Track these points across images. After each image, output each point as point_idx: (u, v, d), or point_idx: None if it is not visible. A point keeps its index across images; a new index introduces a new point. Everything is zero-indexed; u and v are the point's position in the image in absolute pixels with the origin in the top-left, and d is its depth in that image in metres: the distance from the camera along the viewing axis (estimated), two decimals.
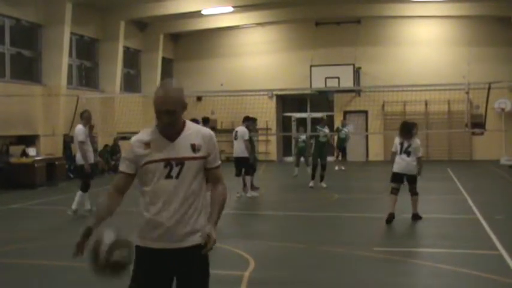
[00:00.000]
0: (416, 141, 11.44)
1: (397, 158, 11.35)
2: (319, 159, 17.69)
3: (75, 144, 12.69)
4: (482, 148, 27.81)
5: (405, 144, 11.28)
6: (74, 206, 12.30)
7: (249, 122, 15.93)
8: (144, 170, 3.78)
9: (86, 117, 12.77)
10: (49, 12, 21.57)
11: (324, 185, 17.48)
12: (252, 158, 16.10)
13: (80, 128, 12.52)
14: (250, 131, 15.90)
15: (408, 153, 11.24)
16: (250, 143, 16.02)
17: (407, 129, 11.46)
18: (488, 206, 13.23)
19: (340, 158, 24.55)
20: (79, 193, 12.40)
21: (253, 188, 15.98)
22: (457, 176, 20.34)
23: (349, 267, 8.09)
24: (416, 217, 11.41)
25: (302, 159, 20.69)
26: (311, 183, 17.48)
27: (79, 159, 12.57)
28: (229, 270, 7.57)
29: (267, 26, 30.37)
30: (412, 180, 11.38)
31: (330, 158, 20.14)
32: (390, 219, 11.12)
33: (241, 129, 15.35)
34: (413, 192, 11.42)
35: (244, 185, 15.61)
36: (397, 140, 11.47)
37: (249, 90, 24.34)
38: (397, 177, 11.39)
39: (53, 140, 21.42)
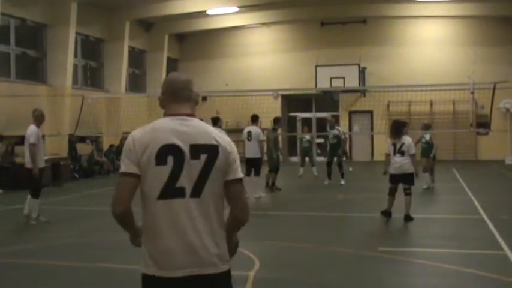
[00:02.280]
0: (409, 140, 11.57)
1: (392, 160, 11.50)
2: (334, 158, 18.53)
3: (26, 146, 11.53)
4: (488, 148, 27.77)
5: (398, 144, 11.40)
6: (26, 211, 11.55)
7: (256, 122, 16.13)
8: None
9: (36, 117, 11.52)
10: (54, 12, 21.64)
11: (342, 182, 18.15)
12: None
13: (32, 129, 11.34)
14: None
15: (402, 153, 11.36)
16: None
17: (397, 129, 11.62)
18: (494, 206, 13.19)
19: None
20: (29, 199, 11.53)
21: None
22: (462, 176, 20.30)
23: (354, 267, 8.07)
24: (408, 218, 11.37)
25: (307, 159, 20.73)
26: (326, 181, 18.28)
27: (29, 162, 11.43)
28: (234, 270, 7.55)
29: (272, 26, 30.39)
30: (408, 180, 11.44)
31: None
32: (386, 215, 11.54)
33: (255, 130, 15.16)
34: (407, 193, 11.47)
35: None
36: (389, 141, 11.66)
37: (254, 90, 24.33)
38: (395, 179, 11.52)
39: (58, 140, 21.47)
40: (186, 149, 3.01)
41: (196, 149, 3.02)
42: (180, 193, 2.99)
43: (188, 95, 3.22)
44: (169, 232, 2.98)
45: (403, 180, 11.40)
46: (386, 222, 11.46)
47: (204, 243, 3.00)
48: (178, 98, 3.19)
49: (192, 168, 3.00)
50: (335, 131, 18.77)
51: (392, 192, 11.49)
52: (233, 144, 3.16)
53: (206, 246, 3.00)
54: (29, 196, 11.56)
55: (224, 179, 3.08)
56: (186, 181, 2.99)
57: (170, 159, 2.99)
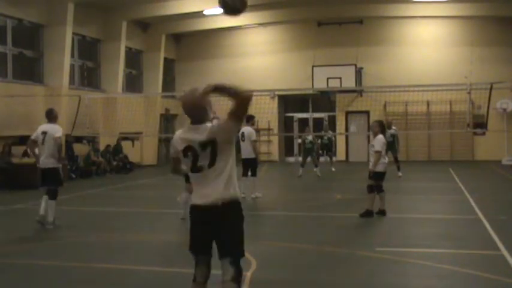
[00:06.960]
0: None
1: (383, 159, 11.87)
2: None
3: (50, 143, 11.30)
4: (484, 148, 27.82)
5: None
6: (51, 218, 11.25)
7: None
8: None
9: (56, 116, 11.55)
10: (51, 12, 21.60)
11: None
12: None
13: (59, 128, 11.33)
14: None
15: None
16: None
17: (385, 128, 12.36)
18: (490, 206, 13.22)
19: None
20: (51, 202, 11.35)
21: None
22: (459, 176, 20.33)
23: (352, 267, 8.08)
24: (383, 212, 11.95)
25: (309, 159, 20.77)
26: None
27: (52, 161, 11.51)
28: None
29: (269, 26, 30.39)
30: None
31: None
32: (367, 215, 11.78)
33: (248, 130, 15.10)
34: (381, 190, 11.99)
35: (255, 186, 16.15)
36: (382, 139, 11.78)
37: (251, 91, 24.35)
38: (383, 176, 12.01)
39: None
40: (197, 147, 4.83)
41: (203, 144, 4.82)
42: (200, 169, 4.87)
43: (198, 117, 4.87)
44: (198, 186, 4.96)
45: (374, 177, 11.96)
46: (383, 222, 11.48)
47: (215, 191, 4.83)
48: (191, 118, 4.94)
49: (204, 155, 4.83)
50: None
51: (374, 190, 11.90)
52: (220, 121, 5.05)
53: (216, 192, 4.83)
54: (50, 200, 11.28)
55: (227, 129, 4.82)
56: (203, 162, 4.84)
57: (190, 154, 4.89)
